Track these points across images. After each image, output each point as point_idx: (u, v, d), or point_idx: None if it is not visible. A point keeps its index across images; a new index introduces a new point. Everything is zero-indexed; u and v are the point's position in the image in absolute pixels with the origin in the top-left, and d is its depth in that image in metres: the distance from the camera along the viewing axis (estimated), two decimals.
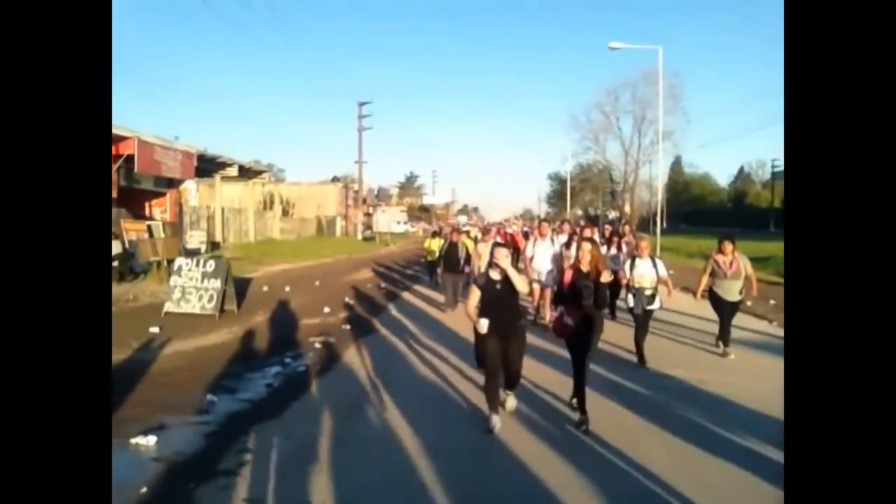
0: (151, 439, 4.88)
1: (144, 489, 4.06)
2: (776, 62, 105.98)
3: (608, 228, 14.31)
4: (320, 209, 51.49)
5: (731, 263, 8.05)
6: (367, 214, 59.04)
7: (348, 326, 10.51)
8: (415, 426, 5.29)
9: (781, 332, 9.48)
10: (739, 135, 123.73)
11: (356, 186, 54.06)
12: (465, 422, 5.47)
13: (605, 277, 5.53)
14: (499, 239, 14.87)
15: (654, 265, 7.84)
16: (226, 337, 9.32)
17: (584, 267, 5.58)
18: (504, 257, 5.31)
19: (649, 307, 7.74)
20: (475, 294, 5.35)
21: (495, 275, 5.32)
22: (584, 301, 5.44)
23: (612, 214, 64.28)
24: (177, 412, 5.68)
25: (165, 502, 3.90)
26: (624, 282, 7.90)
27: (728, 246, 8.11)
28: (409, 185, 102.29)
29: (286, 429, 5.34)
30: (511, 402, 5.65)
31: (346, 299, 13.96)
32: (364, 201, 56.84)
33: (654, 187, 68.73)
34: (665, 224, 58.44)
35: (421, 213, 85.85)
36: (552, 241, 10.52)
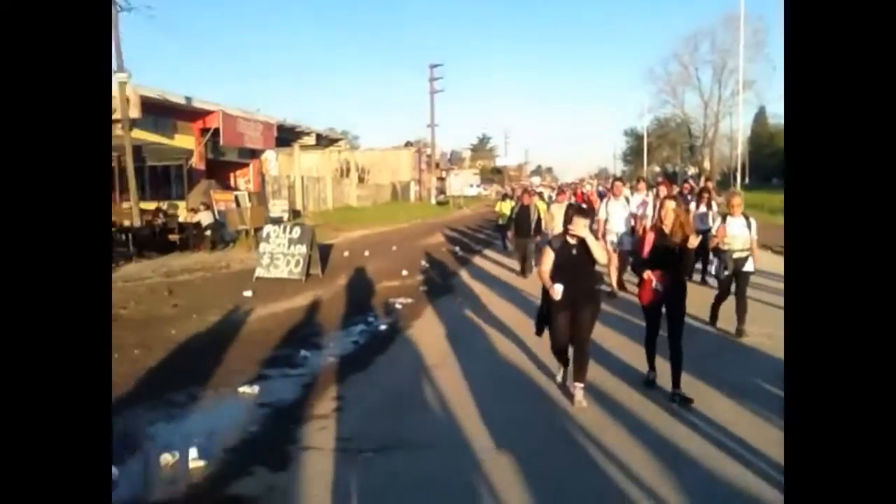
0: (255, 388, 5.49)
1: (254, 428, 4.66)
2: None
3: (687, 186, 13.59)
4: (394, 175, 52.35)
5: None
6: (441, 178, 59.54)
7: (425, 288, 11.01)
8: (482, 386, 5.68)
9: None
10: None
11: (429, 151, 54.53)
12: (535, 387, 5.82)
13: (692, 242, 5.13)
14: (574, 200, 14.26)
15: (749, 224, 7.04)
16: (313, 299, 9.99)
17: (667, 228, 5.18)
18: (583, 227, 4.88)
19: (745, 269, 7.03)
20: (549, 257, 4.97)
21: (572, 239, 4.93)
22: (666, 266, 5.14)
23: (692, 171, 62.13)
24: (275, 366, 6.31)
25: (272, 440, 4.46)
26: (714, 242, 7.13)
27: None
28: (481, 148, 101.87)
29: (372, 380, 5.85)
30: (580, 396, 5.00)
31: (422, 263, 14.48)
32: (437, 165, 57.31)
33: (735, 140, 66.01)
34: (748, 179, 56.23)
35: (494, 175, 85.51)
36: (627, 200, 10.08)
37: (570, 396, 5.07)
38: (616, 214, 9.77)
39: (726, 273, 7.08)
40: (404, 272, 12.86)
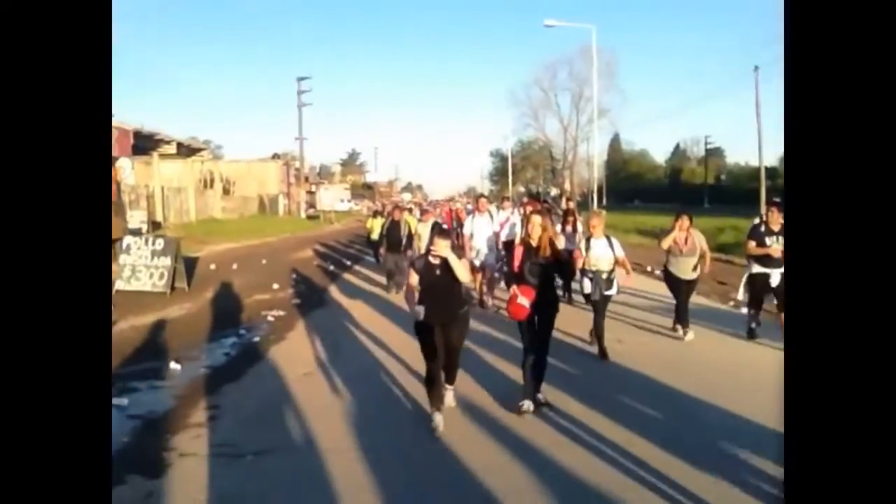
0: (124, 400, 5.37)
1: (125, 439, 4.60)
2: (706, 40, 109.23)
3: (546, 206, 14.29)
4: (261, 187, 50.95)
5: (686, 240, 7.69)
6: (310, 192, 58.75)
7: (297, 301, 11.04)
8: (357, 392, 5.95)
9: (720, 305, 9.31)
10: (675, 112, 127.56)
11: (297, 164, 53.68)
12: (407, 390, 6.15)
13: (557, 251, 5.31)
14: (440, 219, 14.57)
15: (611, 245, 7.09)
16: (179, 312, 9.71)
17: (534, 242, 5.26)
18: (445, 247, 4.83)
19: (607, 292, 7.07)
20: (413, 277, 4.98)
21: (435, 259, 4.87)
22: (534, 280, 5.18)
23: (554, 191, 65.84)
24: (144, 378, 6.17)
25: (146, 449, 4.44)
26: (579, 263, 6.96)
27: (685, 221, 7.73)
28: (350, 163, 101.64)
29: (246, 389, 5.92)
30: (450, 397, 5.21)
31: (294, 277, 14.42)
32: (306, 179, 56.54)
33: (592, 164, 71.03)
34: (605, 201, 60.60)
35: (364, 190, 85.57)
36: (491, 216, 10.15)
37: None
38: (480, 230, 9.86)
39: (603, 293, 7.00)
40: (275, 286, 12.76)
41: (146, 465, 4.11)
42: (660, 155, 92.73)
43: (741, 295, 7.97)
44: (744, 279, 7.89)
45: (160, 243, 11.62)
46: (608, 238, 7.17)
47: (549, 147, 65.48)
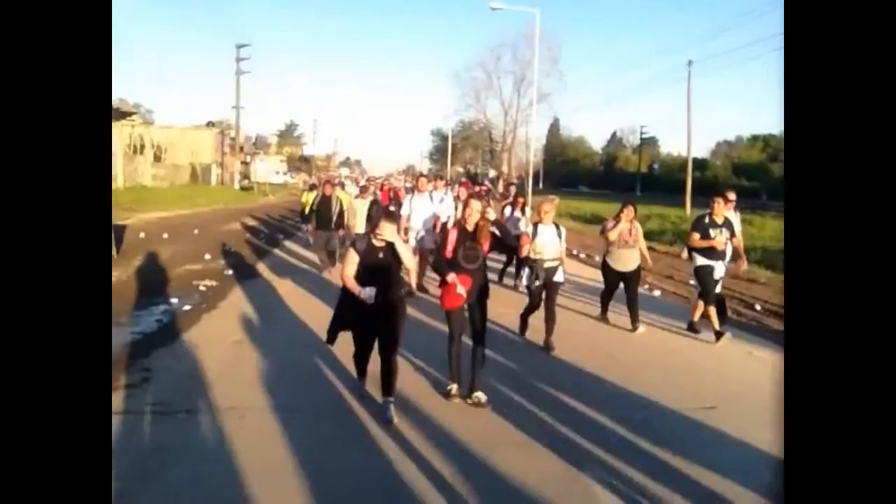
0: None
1: None
2: (647, 30, 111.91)
3: (485, 187, 13.93)
4: (194, 156, 49.60)
5: (630, 231, 7.61)
6: (245, 163, 57.48)
7: (230, 272, 11.15)
8: (282, 358, 6.27)
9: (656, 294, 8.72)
10: (613, 101, 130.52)
11: (233, 133, 52.42)
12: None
13: (485, 245, 5.04)
14: (378, 196, 14.11)
15: (559, 233, 6.86)
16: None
17: (470, 227, 5.05)
18: (392, 231, 4.66)
19: (556, 280, 6.81)
20: (354, 260, 4.69)
21: (378, 242, 4.69)
22: (470, 266, 5.00)
23: (492, 173, 66.66)
24: None
25: None
26: (525, 250, 6.69)
27: (631, 212, 7.61)
28: (288, 134, 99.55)
29: (178, 354, 6.13)
30: (392, 411, 4.63)
31: (227, 247, 14.43)
32: (241, 149, 55.25)
33: (533, 148, 72.22)
34: (542, 184, 61.94)
35: (301, 163, 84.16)
36: (431, 197, 9.75)
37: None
38: (419, 211, 9.45)
39: (537, 283, 6.76)
40: (207, 256, 12.79)
41: None
42: (597, 142, 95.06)
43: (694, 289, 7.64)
44: (693, 274, 7.79)
45: None
46: (556, 226, 6.90)
47: (489, 129, 66.10)
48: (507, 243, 5.44)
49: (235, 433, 4.31)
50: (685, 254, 7.86)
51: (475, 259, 5.03)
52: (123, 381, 5.23)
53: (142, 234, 15.58)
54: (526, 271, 6.82)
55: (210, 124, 57.94)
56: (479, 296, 5.11)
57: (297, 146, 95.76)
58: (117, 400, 4.81)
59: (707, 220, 7.37)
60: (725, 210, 7.40)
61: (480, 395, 4.98)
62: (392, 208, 10.86)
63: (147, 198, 28.29)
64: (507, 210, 10.75)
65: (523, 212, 10.18)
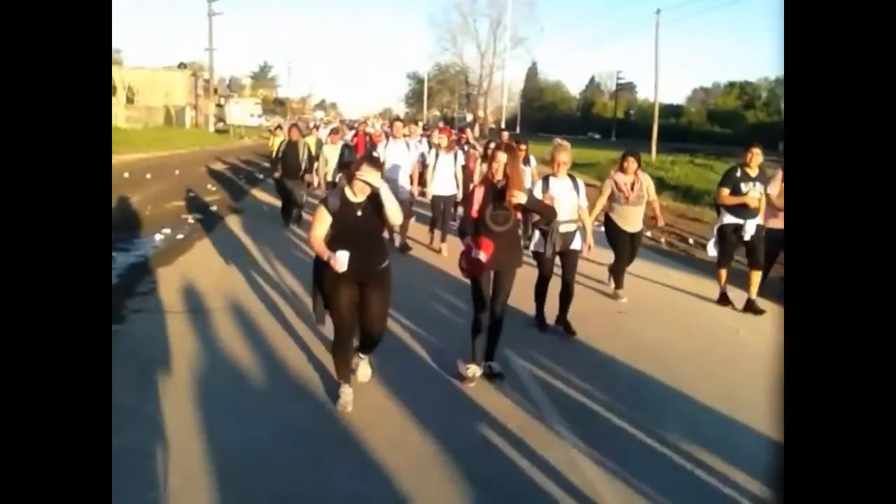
0: None
1: None
2: None
3: (465, 135, 12.49)
4: (167, 98, 49.14)
5: (632, 185, 6.43)
6: (219, 106, 57.02)
7: (215, 208, 11.97)
8: (270, 269, 7.22)
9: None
10: (592, 45, 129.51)
11: (206, 75, 51.86)
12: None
13: (518, 198, 4.17)
14: (352, 142, 13.44)
15: (576, 187, 5.50)
16: None
17: (499, 183, 4.31)
18: (376, 177, 3.72)
19: (574, 246, 5.50)
20: (325, 219, 3.78)
21: (354, 196, 3.79)
22: (499, 228, 4.29)
23: (469, 117, 66.89)
24: None
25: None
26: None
27: (631, 163, 6.46)
28: (262, 76, 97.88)
29: (179, 271, 7.06)
30: (364, 369, 4.31)
31: (210, 186, 15.17)
32: (216, 91, 54.74)
33: (510, 92, 72.51)
34: (519, 129, 62.44)
35: (276, 106, 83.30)
36: (407, 144, 8.88)
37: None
38: (395, 159, 8.48)
39: (551, 250, 5.42)
40: (191, 193, 13.57)
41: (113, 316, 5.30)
42: (575, 87, 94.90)
43: (711, 250, 6.70)
44: (714, 231, 6.68)
45: None
46: (573, 179, 5.55)
47: (465, 72, 66.12)
48: (537, 211, 4.59)
49: (227, 326, 5.34)
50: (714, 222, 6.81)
51: (505, 220, 4.32)
52: (136, 290, 6.17)
53: (126, 174, 16.16)
54: (537, 236, 5.48)
55: (182, 66, 57.07)
56: (510, 264, 4.42)
57: (272, 89, 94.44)
58: (134, 302, 5.76)
59: (739, 172, 6.31)
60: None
61: (494, 365, 4.46)
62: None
63: (123, 140, 28.40)
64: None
65: (527, 162, 8.58)
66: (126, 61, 57.81)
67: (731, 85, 75.91)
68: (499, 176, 4.34)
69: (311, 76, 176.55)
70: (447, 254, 8.19)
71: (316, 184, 10.23)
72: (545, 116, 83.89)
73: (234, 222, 10.55)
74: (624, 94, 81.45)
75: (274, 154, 10.89)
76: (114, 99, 38.73)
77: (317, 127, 17.73)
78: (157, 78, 50.14)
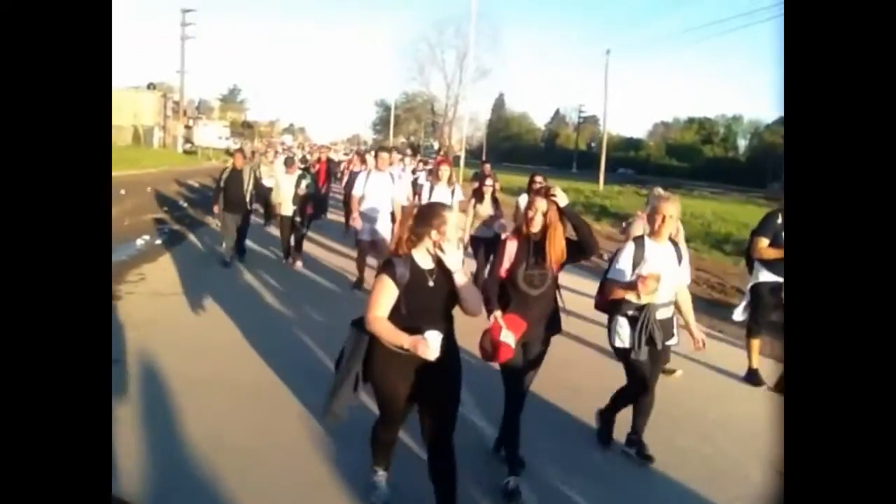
0: None
1: None
2: (593, 9, 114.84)
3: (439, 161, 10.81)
4: (136, 118, 49.77)
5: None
6: (188, 127, 57.75)
7: (189, 221, 13.13)
8: (246, 266, 8.44)
9: None
10: (557, 78, 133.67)
11: (175, 96, 52.68)
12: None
13: (560, 197, 3.46)
14: (310, 169, 11.59)
15: (678, 255, 3.91)
16: None
17: (535, 234, 3.50)
18: (454, 229, 2.89)
19: (669, 342, 3.92)
20: (389, 293, 2.81)
21: (423, 259, 2.90)
22: (533, 291, 3.49)
23: (436, 145, 68.55)
24: None
25: None
26: (632, 292, 3.68)
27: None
28: (231, 99, 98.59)
29: (162, 266, 8.39)
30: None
31: (181, 203, 16.28)
32: (184, 113, 55.53)
33: (476, 122, 74.72)
34: (484, 158, 64.00)
35: (244, 129, 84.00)
36: (392, 177, 7.76)
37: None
38: (375, 193, 7.44)
39: (647, 349, 3.78)
40: (165, 208, 14.74)
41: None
42: (541, 119, 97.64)
43: (739, 315, 5.55)
44: (747, 291, 5.54)
45: None
46: (674, 245, 3.94)
47: (431, 101, 67.98)
48: (588, 243, 3.55)
49: (210, 305, 6.62)
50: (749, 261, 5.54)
51: (542, 281, 3.51)
52: (126, 278, 7.40)
53: None
54: (623, 326, 3.83)
55: (151, 86, 57.76)
56: (539, 336, 3.60)
57: (240, 111, 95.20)
58: (125, 287, 6.94)
59: (780, 219, 5.11)
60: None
61: (512, 482, 3.36)
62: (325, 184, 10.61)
63: None
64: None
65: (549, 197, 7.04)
66: None
67: (691, 120, 78.77)
68: (535, 228, 3.48)
69: (280, 100, 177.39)
70: None
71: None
72: (511, 146, 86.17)
73: (206, 231, 11.80)
74: (588, 127, 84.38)
75: (217, 184, 9.06)
76: None
77: (276, 153, 16.33)
78: (125, 98, 50.73)
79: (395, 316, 2.81)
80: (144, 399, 4.19)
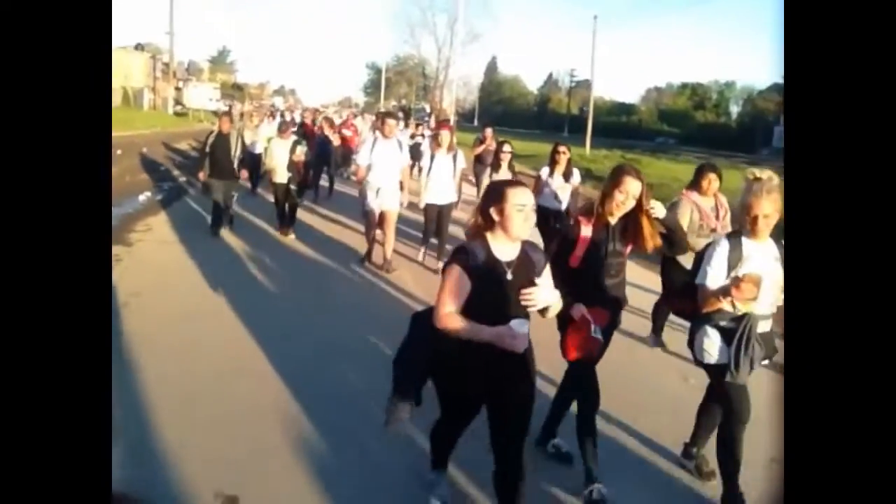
0: None
1: None
2: None
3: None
4: (125, 79, 49.55)
5: (717, 211, 4.91)
6: (178, 89, 57.47)
7: (184, 178, 13.70)
8: (244, 220, 9.09)
9: None
10: (550, 42, 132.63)
11: (165, 58, 52.39)
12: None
13: (657, 210, 3.10)
14: (330, 134, 12.67)
15: (778, 255, 3.04)
16: None
17: (613, 220, 3.14)
18: (531, 216, 2.46)
19: (765, 361, 3.16)
20: (461, 287, 2.45)
21: (502, 250, 2.50)
22: (608, 281, 3.18)
23: (427, 108, 68.53)
24: None
25: (116, 236, 7.41)
26: (727, 299, 2.86)
27: (712, 181, 4.84)
28: (220, 60, 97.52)
29: (169, 218, 9.10)
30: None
31: (179, 160, 16.81)
32: (174, 75, 55.26)
33: (469, 85, 74.49)
34: (477, 122, 64.22)
35: (234, 91, 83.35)
36: (399, 144, 7.37)
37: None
38: (382, 163, 7.08)
39: (746, 369, 3.00)
40: (162, 167, 15.42)
41: (118, 242, 7.16)
42: (534, 83, 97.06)
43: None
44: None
45: None
46: (777, 243, 3.06)
47: (422, 65, 67.80)
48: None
49: (216, 248, 7.37)
50: None
51: (618, 271, 3.21)
52: (136, 227, 8.10)
53: None
54: (714, 338, 3.10)
55: (139, 47, 57.31)
56: (607, 336, 3.26)
57: (230, 73, 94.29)
58: (134, 237, 7.57)
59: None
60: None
61: (599, 490, 3.05)
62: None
63: None
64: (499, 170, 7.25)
65: (567, 177, 6.75)
66: None
67: (684, 86, 78.24)
68: (621, 212, 3.07)
69: (270, 62, 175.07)
70: None
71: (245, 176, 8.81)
72: (502, 110, 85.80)
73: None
74: (580, 91, 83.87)
75: (202, 149, 8.68)
76: None
77: (272, 115, 16.13)
78: (115, 59, 50.28)
79: (466, 312, 2.43)
80: (161, 336, 4.87)
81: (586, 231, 3.12)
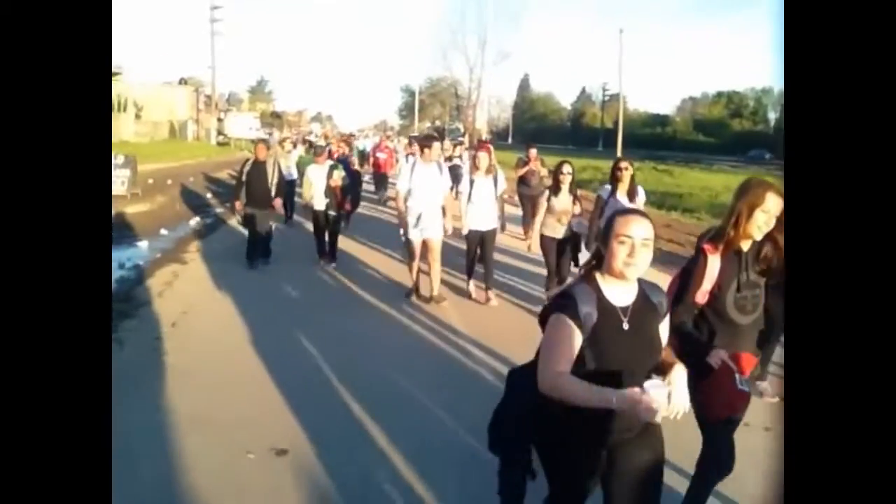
0: (144, 244, 9.12)
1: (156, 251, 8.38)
2: None
3: (462, 147, 11.23)
4: (170, 113, 51.79)
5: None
6: (220, 119, 59.68)
7: (228, 204, 14.64)
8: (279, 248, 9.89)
9: None
10: (581, 58, 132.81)
11: (207, 90, 54.64)
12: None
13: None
14: (356, 155, 14.00)
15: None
16: (144, 208, 13.23)
17: (745, 247, 2.69)
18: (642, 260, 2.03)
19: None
20: (572, 341, 2.04)
21: (614, 292, 2.12)
22: (744, 320, 2.70)
23: (461, 127, 69.51)
24: (148, 236, 9.90)
25: (167, 257, 8.25)
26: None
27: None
28: (259, 90, 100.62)
29: (215, 244, 9.83)
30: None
31: (221, 190, 17.86)
32: (216, 106, 57.51)
33: (502, 104, 75.33)
34: (511, 140, 64.60)
35: (273, 119, 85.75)
36: (440, 167, 7.05)
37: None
38: (423, 187, 6.71)
39: None
40: (209, 195, 16.30)
41: (174, 262, 8.02)
42: (567, 98, 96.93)
43: None
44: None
45: (121, 159, 14.79)
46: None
47: (455, 85, 68.94)
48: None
49: (255, 275, 8.10)
50: None
51: (755, 305, 2.73)
52: (187, 251, 8.94)
53: (150, 181, 18.79)
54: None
55: (183, 81, 59.82)
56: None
57: (269, 102, 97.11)
58: (190, 256, 8.45)
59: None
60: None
61: None
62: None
63: (135, 152, 30.52)
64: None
65: (632, 196, 6.01)
66: (128, 77, 60.51)
67: (719, 95, 77.21)
68: (760, 234, 2.62)
69: (308, 89, 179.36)
70: (497, 303, 6.80)
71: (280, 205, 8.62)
72: (536, 127, 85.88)
73: None
74: (614, 105, 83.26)
75: (238, 178, 8.62)
76: (123, 114, 41.37)
77: (307, 142, 16.37)
78: (161, 94, 52.82)
79: (576, 372, 2.02)
80: (208, 328, 5.61)
81: (713, 263, 2.63)
